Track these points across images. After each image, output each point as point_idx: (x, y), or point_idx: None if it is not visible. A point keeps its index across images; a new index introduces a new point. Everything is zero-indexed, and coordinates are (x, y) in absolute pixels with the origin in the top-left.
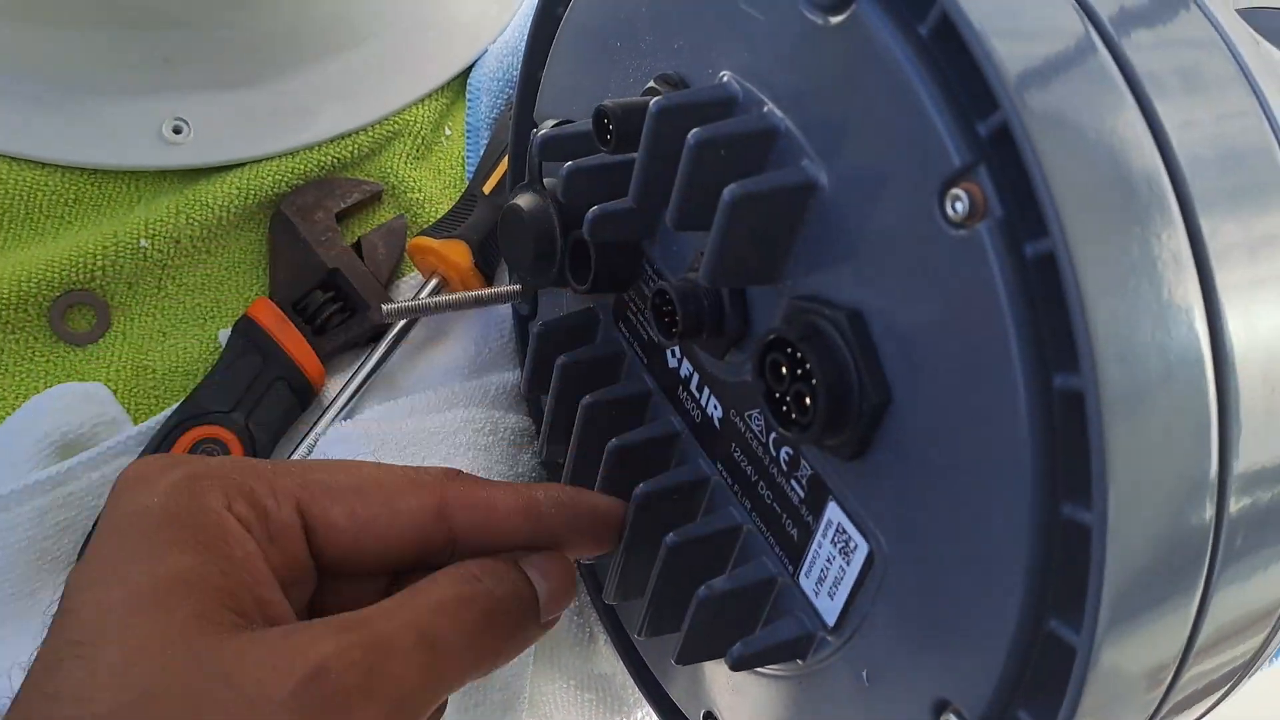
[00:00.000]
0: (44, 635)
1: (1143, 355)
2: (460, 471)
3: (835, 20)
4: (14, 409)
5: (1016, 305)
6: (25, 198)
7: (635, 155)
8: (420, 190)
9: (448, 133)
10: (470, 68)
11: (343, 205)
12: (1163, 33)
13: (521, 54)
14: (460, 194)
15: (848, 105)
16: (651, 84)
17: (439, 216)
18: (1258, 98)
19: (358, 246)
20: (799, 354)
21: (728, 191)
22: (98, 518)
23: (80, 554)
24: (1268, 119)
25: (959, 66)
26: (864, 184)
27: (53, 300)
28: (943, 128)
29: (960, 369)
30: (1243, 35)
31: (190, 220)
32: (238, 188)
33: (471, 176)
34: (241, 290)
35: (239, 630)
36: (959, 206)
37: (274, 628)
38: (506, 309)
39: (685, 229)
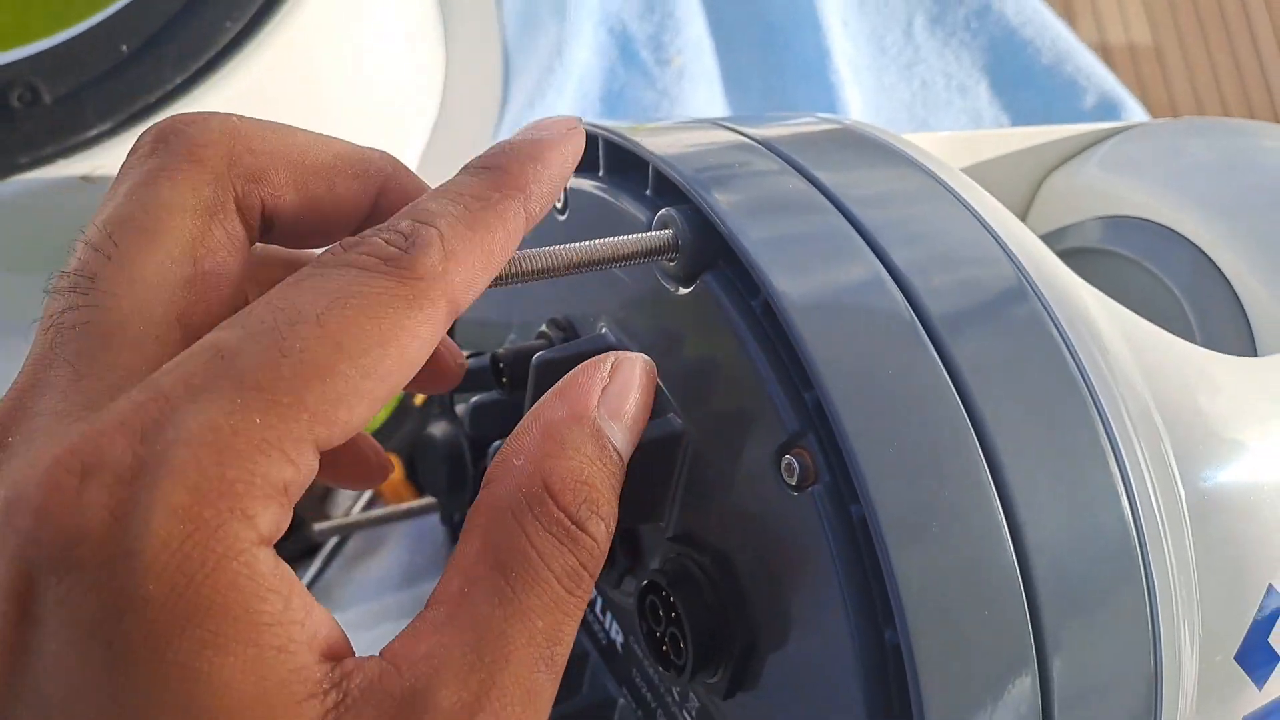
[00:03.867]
0: None
1: (957, 603)
2: (443, 232)
3: (684, 292)
4: None
5: (847, 565)
6: None
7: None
8: None
9: None
10: None
11: None
12: (990, 324)
13: None
14: (395, 403)
15: (699, 367)
16: (544, 327)
17: (375, 426)
18: (1087, 388)
19: None
20: (671, 598)
21: None
22: None
23: None
24: (1098, 411)
25: (785, 340)
26: (718, 439)
27: None
28: (775, 397)
29: (807, 620)
30: (1076, 313)
31: None
32: None
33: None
34: None
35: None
36: (794, 470)
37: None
38: (436, 517)
39: None
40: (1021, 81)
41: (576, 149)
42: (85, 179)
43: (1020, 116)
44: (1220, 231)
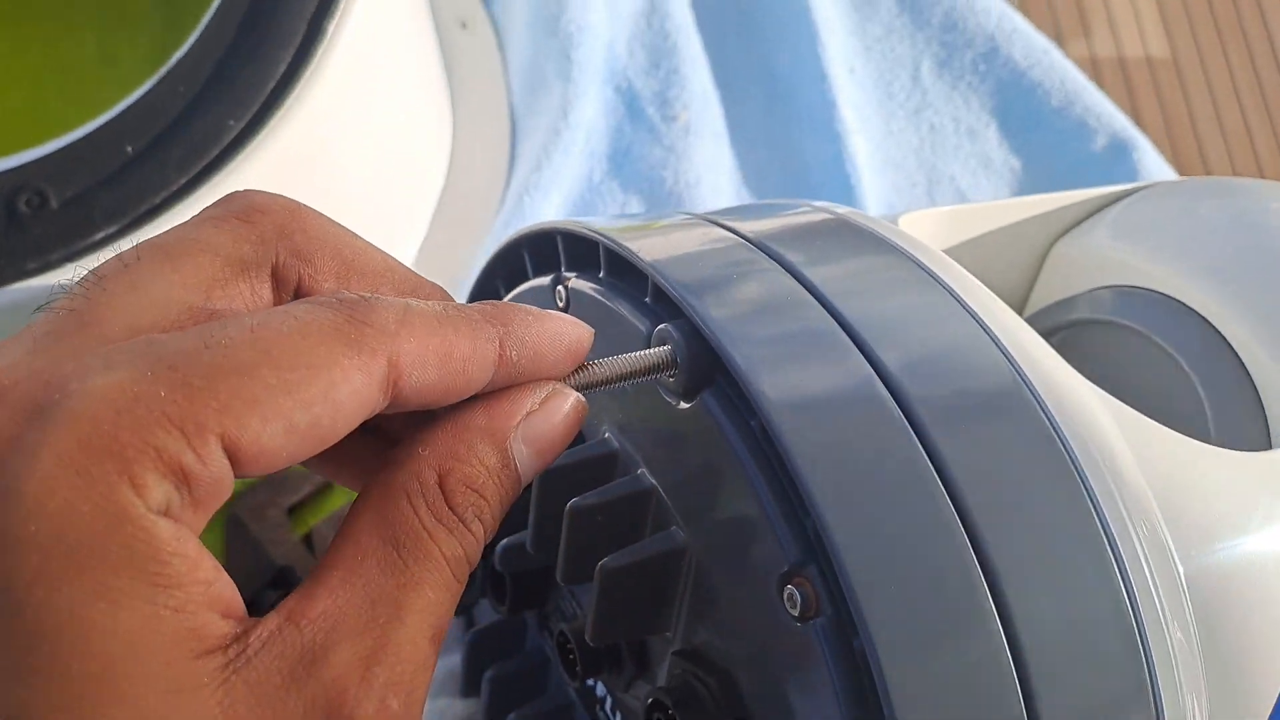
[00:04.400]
0: None
1: None
2: (409, 305)
3: (685, 407)
4: None
5: (850, 697)
6: None
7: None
8: None
9: None
10: None
11: (294, 499)
12: (984, 429)
13: None
14: None
15: (701, 482)
16: None
17: None
18: (1088, 496)
19: (308, 538)
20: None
21: (601, 567)
22: None
23: None
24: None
25: (784, 462)
26: (721, 557)
27: None
28: (777, 527)
29: None
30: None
31: None
32: None
33: None
34: None
35: (221, 681)
36: (795, 601)
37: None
38: None
39: (574, 583)
40: (1031, 124)
41: (578, 342)
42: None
43: (1031, 159)
44: (1228, 304)
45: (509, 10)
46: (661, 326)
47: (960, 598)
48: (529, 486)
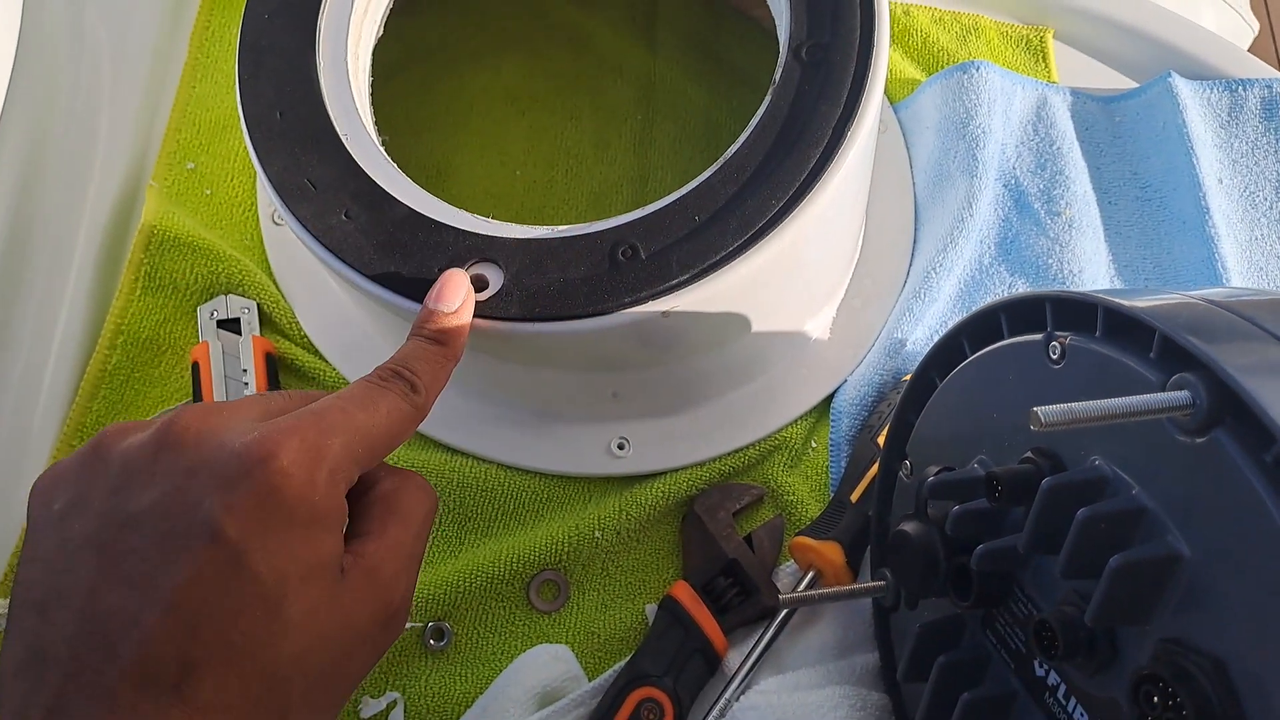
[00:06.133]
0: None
1: None
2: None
3: (1198, 441)
4: (498, 660)
5: None
6: (515, 496)
7: (1013, 508)
8: (793, 494)
9: (814, 446)
10: (832, 394)
11: (738, 506)
12: None
13: (874, 385)
14: (822, 497)
15: (1208, 502)
16: (1029, 454)
17: (808, 516)
18: None
19: (748, 539)
20: (1170, 689)
21: (1113, 560)
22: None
23: None
24: None
25: None
26: (1219, 563)
27: (530, 576)
28: None
29: None
30: None
31: (628, 516)
32: (662, 491)
33: (835, 485)
34: (661, 572)
35: (342, 581)
36: None
37: (355, 575)
38: (866, 600)
39: (1071, 578)
40: None
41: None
42: (665, 314)
43: None
44: None
45: (916, 116)
46: (1179, 375)
47: None
48: (1031, 498)
